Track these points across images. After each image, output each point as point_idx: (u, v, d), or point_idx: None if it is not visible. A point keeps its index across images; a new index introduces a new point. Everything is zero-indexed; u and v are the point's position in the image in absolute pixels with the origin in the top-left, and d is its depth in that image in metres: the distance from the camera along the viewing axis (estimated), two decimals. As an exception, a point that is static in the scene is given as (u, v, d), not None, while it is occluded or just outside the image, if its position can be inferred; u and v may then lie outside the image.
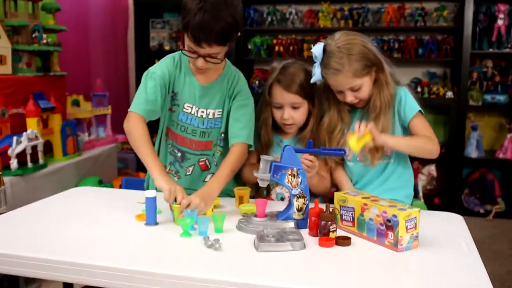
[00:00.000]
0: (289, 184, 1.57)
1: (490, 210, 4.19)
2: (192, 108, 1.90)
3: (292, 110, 1.91)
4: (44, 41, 3.25)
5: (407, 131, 1.85)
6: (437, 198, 4.37)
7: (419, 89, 4.29)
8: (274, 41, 4.62)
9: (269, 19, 4.63)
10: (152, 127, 1.90)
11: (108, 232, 1.57)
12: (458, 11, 4.22)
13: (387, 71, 1.81)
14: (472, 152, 4.24)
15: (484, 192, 4.38)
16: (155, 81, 1.83)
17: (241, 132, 1.87)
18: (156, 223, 1.62)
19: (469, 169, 4.43)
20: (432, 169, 4.23)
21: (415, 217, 1.40)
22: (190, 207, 1.59)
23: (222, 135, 1.96)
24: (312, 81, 1.85)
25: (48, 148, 3.21)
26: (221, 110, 1.92)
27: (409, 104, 1.81)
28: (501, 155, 4.19)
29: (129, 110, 1.83)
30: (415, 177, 4.24)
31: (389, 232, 1.40)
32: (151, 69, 1.88)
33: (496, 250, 3.49)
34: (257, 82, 4.59)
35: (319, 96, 1.94)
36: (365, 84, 1.78)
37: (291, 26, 4.60)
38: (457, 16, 4.26)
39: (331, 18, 4.48)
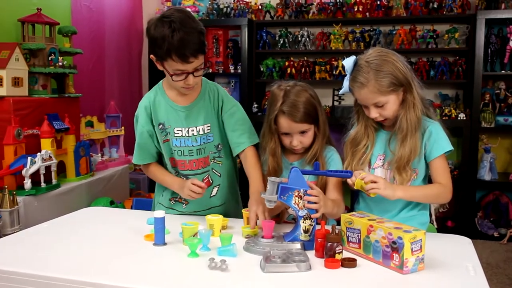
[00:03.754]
0: (296, 206, 1.58)
1: (505, 234, 4.13)
2: (181, 130, 1.99)
3: (300, 136, 1.90)
4: (60, 63, 3.32)
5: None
6: (450, 221, 4.33)
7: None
8: (286, 63, 4.66)
9: (281, 41, 4.68)
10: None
11: (116, 251, 1.59)
12: (470, 33, 4.23)
13: (416, 94, 1.79)
14: (485, 174, 4.21)
15: (498, 215, 4.33)
16: (141, 128, 2.02)
17: (242, 139, 2.00)
18: (165, 243, 1.64)
19: (483, 192, 4.39)
20: (444, 191, 4.19)
21: (421, 239, 1.40)
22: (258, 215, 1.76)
23: (219, 146, 2.05)
24: (340, 93, 1.92)
25: (61, 168, 3.25)
26: (209, 124, 2.01)
27: (439, 143, 1.80)
28: (515, 178, 4.15)
29: (140, 166, 2.11)
30: (428, 199, 4.21)
31: (394, 254, 1.40)
32: (136, 113, 2.07)
33: (510, 275, 3.43)
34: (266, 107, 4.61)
35: (323, 116, 1.94)
36: (390, 102, 1.78)
37: (303, 48, 4.64)
38: (468, 38, 4.27)
39: (343, 40, 4.51)
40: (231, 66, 4.77)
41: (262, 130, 2.00)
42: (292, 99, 1.87)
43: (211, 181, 2.05)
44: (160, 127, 2.00)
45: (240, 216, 1.91)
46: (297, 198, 1.58)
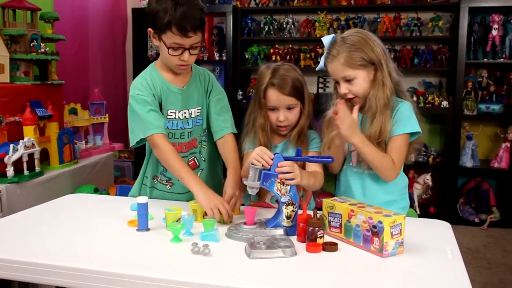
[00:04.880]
0: (278, 192, 1.60)
1: (485, 220, 4.20)
2: (175, 112, 2.00)
3: (287, 112, 1.94)
4: (42, 50, 3.28)
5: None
6: (432, 207, 4.39)
7: (414, 98, 4.32)
8: (271, 51, 4.66)
9: (266, 28, 4.67)
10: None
11: (100, 237, 1.59)
12: (453, 21, 4.26)
13: (387, 74, 1.81)
14: (467, 161, 4.27)
15: (479, 201, 4.40)
16: (148, 98, 1.93)
17: (226, 124, 2.04)
18: (148, 229, 1.65)
19: (465, 178, 4.45)
20: (427, 178, 4.26)
21: (400, 223, 1.43)
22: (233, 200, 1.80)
23: (205, 131, 2.08)
24: (317, 69, 1.93)
25: (44, 156, 3.23)
26: (200, 107, 2.04)
27: (402, 122, 1.81)
28: (496, 165, 4.21)
29: (146, 136, 1.89)
30: (411, 186, 4.27)
31: (374, 238, 1.43)
32: (134, 92, 1.95)
33: (489, 259, 3.50)
34: (254, 91, 4.61)
35: (308, 95, 1.99)
36: (360, 78, 1.80)
37: (288, 36, 4.64)
38: (452, 26, 4.30)
39: (328, 27, 4.51)
40: (216, 53, 4.75)
41: (248, 111, 2.03)
42: (281, 74, 1.93)
43: (197, 164, 2.07)
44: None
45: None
46: (279, 184, 1.59)
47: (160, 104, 1.97)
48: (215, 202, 1.73)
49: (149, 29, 1.89)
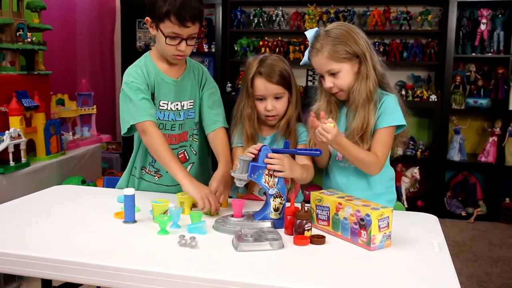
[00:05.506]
0: (266, 184, 1.59)
1: (472, 213, 4.23)
2: (167, 104, 1.99)
3: (274, 101, 1.93)
4: (29, 39, 3.25)
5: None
6: (420, 201, 4.42)
7: (403, 92, 4.34)
8: (261, 43, 4.64)
9: (256, 20, 4.66)
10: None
11: (86, 229, 1.58)
12: (442, 16, 4.27)
13: (371, 66, 1.80)
14: (454, 155, 4.29)
15: (466, 195, 4.43)
16: (141, 86, 1.91)
17: (218, 118, 2.03)
18: (135, 221, 1.64)
19: (452, 172, 4.48)
20: (415, 171, 4.28)
21: (388, 217, 1.43)
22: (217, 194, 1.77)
23: (197, 124, 2.06)
24: (301, 63, 1.92)
25: (31, 147, 3.21)
26: (193, 100, 2.04)
27: (387, 115, 1.80)
28: (483, 159, 4.24)
29: (135, 124, 1.87)
30: (398, 180, 4.29)
31: (362, 231, 1.43)
32: (128, 79, 1.93)
33: (475, 252, 3.53)
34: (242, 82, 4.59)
35: (296, 86, 1.98)
36: (344, 71, 1.80)
37: (277, 28, 4.63)
38: (441, 20, 4.32)
39: (317, 20, 4.51)
40: (205, 45, 4.72)
41: (236, 102, 2.02)
42: (269, 63, 1.93)
43: (187, 157, 2.06)
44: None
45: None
46: (267, 176, 1.59)
47: (153, 94, 1.96)
48: (206, 192, 1.73)
49: (147, 18, 1.87)
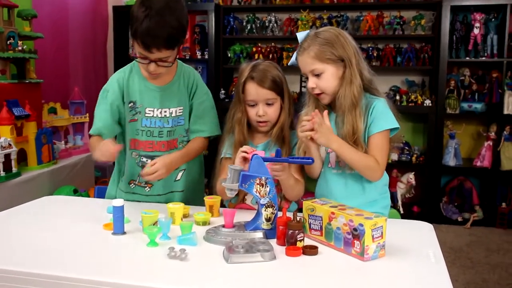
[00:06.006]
0: (258, 194, 1.56)
1: (468, 218, 4.21)
2: (153, 111, 1.98)
3: (266, 107, 1.91)
4: (19, 48, 3.22)
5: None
6: (416, 207, 4.39)
7: (397, 97, 4.32)
8: (254, 49, 4.62)
9: (249, 27, 4.64)
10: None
11: (74, 241, 1.54)
12: (436, 20, 4.26)
13: (356, 72, 1.78)
14: (450, 160, 4.27)
15: (462, 200, 4.41)
16: (107, 100, 1.96)
17: (204, 127, 2.04)
18: (124, 232, 1.60)
19: (448, 177, 4.46)
20: (411, 177, 4.25)
21: (382, 226, 1.40)
22: (153, 169, 1.81)
23: (188, 131, 2.05)
24: (289, 63, 1.91)
25: (22, 156, 3.17)
26: (182, 107, 2.02)
27: (379, 119, 1.78)
28: (478, 163, 4.22)
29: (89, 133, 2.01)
30: (394, 185, 4.27)
31: (355, 241, 1.40)
32: (105, 86, 2.00)
33: (472, 258, 3.50)
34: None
35: (289, 92, 1.97)
36: (327, 73, 1.78)
37: (270, 34, 4.61)
38: (434, 24, 4.31)
39: (311, 26, 4.48)
40: (198, 52, 4.71)
41: (229, 109, 2.00)
42: (261, 68, 1.92)
43: None
44: (130, 105, 1.98)
45: (203, 204, 1.89)
46: (258, 186, 1.56)
47: (135, 102, 1.96)
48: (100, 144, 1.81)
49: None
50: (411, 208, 4.39)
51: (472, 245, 3.78)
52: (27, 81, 3.34)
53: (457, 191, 4.42)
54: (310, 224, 1.56)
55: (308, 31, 1.85)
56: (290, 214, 1.52)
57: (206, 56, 4.64)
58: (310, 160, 1.65)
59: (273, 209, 1.57)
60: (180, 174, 2.04)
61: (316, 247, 1.45)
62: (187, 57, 4.71)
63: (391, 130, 1.80)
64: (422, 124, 4.51)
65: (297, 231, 1.45)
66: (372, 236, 1.38)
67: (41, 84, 3.48)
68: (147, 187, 2.03)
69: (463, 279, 3.14)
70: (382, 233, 1.40)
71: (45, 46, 3.80)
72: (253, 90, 1.90)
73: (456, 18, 4.26)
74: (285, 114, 1.94)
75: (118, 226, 1.60)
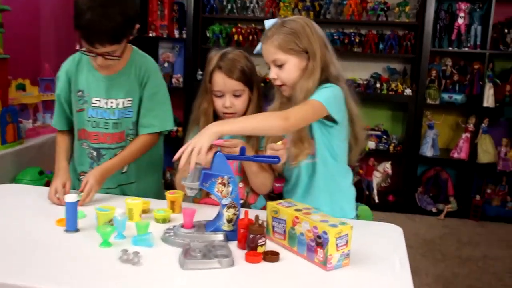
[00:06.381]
0: (219, 194, 1.48)
1: (442, 209, 4.19)
2: (100, 101, 1.89)
3: (233, 98, 1.84)
4: (-16, 21, 3.06)
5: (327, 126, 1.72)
6: (391, 196, 4.36)
7: (378, 85, 4.24)
8: (234, 30, 4.49)
9: (229, 7, 4.50)
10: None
11: (22, 239, 1.45)
12: (420, 8, 4.17)
13: (319, 65, 1.70)
14: (427, 150, 4.23)
15: (438, 190, 4.38)
16: (58, 91, 1.94)
17: (153, 121, 1.91)
18: (77, 230, 1.52)
19: (424, 167, 4.42)
20: (387, 166, 4.21)
21: (347, 234, 1.33)
22: (86, 192, 1.74)
23: (136, 124, 1.94)
24: (254, 52, 1.82)
25: (-15, 136, 3.04)
26: (131, 99, 1.91)
27: (317, 91, 1.66)
28: (455, 155, 4.18)
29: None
30: (370, 174, 4.22)
31: (319, 249, 1.33)
32: (58, 73, 1.96)
33: (444, 251, 3.48)
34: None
35: (258, 84, 1.88)
36: (290, 63, 1.70)
37: (251, 15, 4.48)
38: (418, 12, 4.22)
39: (292, 8, 4.37)
40: (176, 31, 4.56)
41: (195, 100, 1.92)
42: (230, 57, 1.83)
43: None
44: (78, 94, 1.90)
45: (164, 197, 1.81)
46: (220, 185, 1.47)
47: (83, 91, 1.88)
48: (56, 185, 1.79)
49: None
50: (387, 197, 4.36)
51: (444, 237, 3.76)
52: (-8, 57, 3.18)
53: (433, 181, 4.40)
54: (273, 227, 1.48)
55: (276, 19, 1.77)
56: (252, 217, 1.43)
57: (184, 35, 4.50)
58: (277, 159, 1.57)
59: (235, 210, 1.49)
60: (126, 166, 1.96)
61: (277, 254, 1.38)
62: (165, 36, 4.57)
63: (329, 111, 1.64)
64: (401, 113, 4.46)
65: (258, 235, 1.38)
66: (336, 244, 1.31)
67: (7, 59, 3.32)
68: None
69: (433, 273, 3.12)
70: (347, 241, 1.33)
71: (13, 19, 3.62)
72: (221, 81, 1.82)
73: (441, 7, 4.17)
74: (253, 106, 1.86)
75: (71, 224, 1.51)
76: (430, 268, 3.17)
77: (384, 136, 4.35)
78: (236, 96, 1.84)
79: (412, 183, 4.27)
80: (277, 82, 1.75)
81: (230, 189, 1.48)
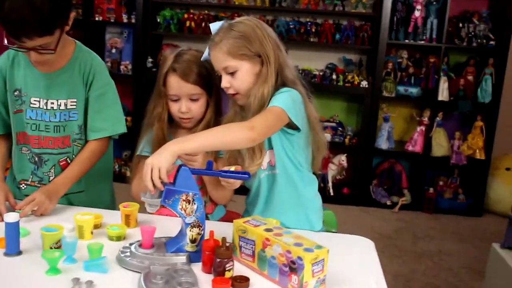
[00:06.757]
0: (183, 212, 1.34)
1: (397, 202, 4.19)
2: (39, 101, 1.69)
3: (190, 102, 1.70)
4: None
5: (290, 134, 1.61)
6: (346, 188, 4.33)
7: (334, 76, 4.17)
8: (185, 16, 4.29)
9: (181, -9, 4.30)
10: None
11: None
12: (377, -1, 4.11)
13: (273, 69, 1.57)
14: (382, 143, 4.21)
15: (392, 182, 4.38)
16: None
17: (103, 125, 1.73)
18: (19, 252, 1.34)
19: (379, 159, 4.41)
20: (343, 159, 4.17)
21: (323, 259, 1.22)
22: (34, 204, 1.53)
23: (82, 127, 1.75)
24: (202, 59, 1.67)
25: None
26: (75, 100, 1.71)
27: (275, 97, 1.55)
28: (410, 148, 4.18)
29: None
30: (325, 167, 4.17)
31: (293, 275, 1.22)
32: None
33: (400, 246, 3.48)
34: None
35: (217, 87, 1.73)
36: (242, 70, 1.57)
37: (204, 1, 4.29)
38: (376, 3, 4.15)
39: (248, -6, 4.23)
40: (124, 15, 4.31)
41: (149, 101, 1.77)
42: (185, 59, 1.69)
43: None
44: (15, 93, 1.70)
45: (116, 206, 1.65)
46: (184, 202, 1.33)
47: (20, 90, 1.69)
48: None
49: None
50: (341, 190, 4.33)
51: (399, 231, 3.76)
52: None
53: (387, 173, 4.39)
54: (240, 247, 1.36)
55: (222, 21, 1.64)
56: (218, 238, 1.31)
57: (133, 20, 4.26)
58: (247, 176, 1.43)
59: (199, 229, 1.36)
60: None
61: (247, 279, 1.26)
62: (112, 20, 4.32)
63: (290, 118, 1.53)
64: (356, 104, 4.42)
65: (226, 259, 1.26)
66: (312, 271, 1.20)
67: None
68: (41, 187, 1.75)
69: (391, 270, 3.10)
70: (323, 266, 1.23)
71: None
72: (175, 84, 1.67)
73: (398, -2, 4.13)
74: (211, 110, 1.74)
75: (12, 246, 1.34)
76: (388, 265, 3.14)
77: (340, 128, 4.30)
78: (192, 100, 1.70)
79: (367, 176, 4.25)
80: (230, 91, 1.61)
81: (195, 206, 1.34)
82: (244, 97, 1.60)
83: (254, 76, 1.58)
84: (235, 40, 1.55)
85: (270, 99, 1.55)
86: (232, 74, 1.58)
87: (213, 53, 1.60)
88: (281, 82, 1.60)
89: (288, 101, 1.53)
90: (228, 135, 1.43)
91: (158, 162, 1.30)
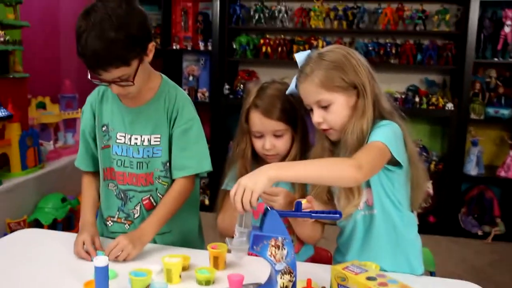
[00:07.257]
0: (272, 258, 1.25)
1: (489, 232, 3.90)
2: (125, 137, 1.66)
3: (274, 139, 1.63)
4: (1, 39, 2.88)
5: (391, 176, 1.49)
6: (432, 216, 4.08)
7: (417, 99, 3.98)
8: (261, 41, 4.27)
9: (257, 16, 4.28)
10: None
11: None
12: (462, 16, 3.90)
13: (371, 101, 1.46)
14: (471, 169, 3.94)
15: (482, 211, 4.08)
16: (82, 127, 1.75)
17: (188, 163, 1.66)
18: (108, 297, 1.30)
19: (467, 185, 4.14)
20: (428, 186, 3.92)
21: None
22: (117, 248, 1.49)
23: (167, 165, 1.68)
24: (287, 92, 1.58)
25: (4, 162, 2.86)
26: (158, 135, 1.66)
27: (376, 131, 1.43)
28: (502, 173, 3.89)
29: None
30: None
31: (400, 333, 1.09)
32: (83, 107, 1.78)
33: (498, 281, 3.20)
34: (241, 85, 4.23)
35: (303, 120, 1.65)
36: (337, 103, 1.46)
37: (280, 25, 4.25)
38: (460, 20, 3.95)
39: (324, 18, 4.15)
40: (200, 43, 4.35)
41: (236, 132, 1.72)
42: (268, 94, 1.62)
43: (153, 204, 1.70)
44: (103, 129, 1.70)
45: (202, 244, 1.59)
46: (274, 248, 1.24)
47: (107, 125, 1.68)
48: (83, 236, 1.56)
49: None
50: (427, 218, 4.09)
51: (495, 264, 3.47)
52: (11, 76, 3.00)
53: (477, 200, 4.10)
54: (339, 296, 1.25)
55: (308, 51, 1.54)
56: (316, 284, 1.20)
57: (210, 47, 4.29)
58: (338, 215, 1.33)
59: (290, 276, 1.26)
60: None
61: (349, 335, 1.15)
62: (189, 48, 4.37)
63: (392, 154, 1.41)
64: (440, 127, 4.19)
65: (324, 312, 1.15)
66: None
67: (27, 79, 3.14)
68: (127, 224, 1.74)
69: (488, 309, 2.85)
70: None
71: (32, 35, 3.46)
72: (258, 121, 1.61)
73: (484, 14, 3.89)
74: (297, 146, 1.65)
75: (100, 290, 1.29)
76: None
77: (424, 153, 4.08)
78: (277, 136, 1.62)
79: (455, 204, 3.99)
80: (323, 126, 1.50)
81: (285, 252, 1.25)
82: (338, 133, 1.50)
83: (349, 110, 1.47)
84: (327, 70, 1.45)
85: (369, 134, 1.43)
86: (325, 108, 1.47)
87: (303, 86, 1.50)
88: (378, 114, 1.48)
89: (390, 136, 1.42)
90: (332, 171, 1.31)
91: (253, 185, 1.22)
